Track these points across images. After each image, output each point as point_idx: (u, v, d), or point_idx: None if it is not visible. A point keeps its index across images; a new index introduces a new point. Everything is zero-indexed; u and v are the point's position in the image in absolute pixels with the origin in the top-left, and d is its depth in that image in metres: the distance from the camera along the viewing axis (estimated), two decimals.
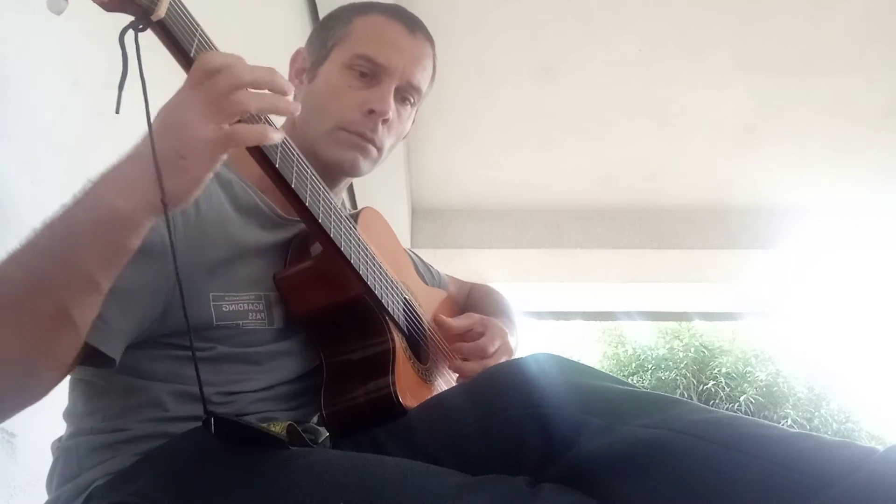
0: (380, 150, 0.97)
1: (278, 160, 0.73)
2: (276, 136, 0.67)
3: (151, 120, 0.62)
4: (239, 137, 0.63)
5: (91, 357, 0.71)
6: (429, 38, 1.01)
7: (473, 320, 1.06)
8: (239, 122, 0.63)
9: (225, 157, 0.64)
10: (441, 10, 2.44)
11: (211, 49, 0.65)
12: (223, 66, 0.62)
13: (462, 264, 3.66)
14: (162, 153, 0.59)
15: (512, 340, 1.09)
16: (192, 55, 0.62)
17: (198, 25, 0.64)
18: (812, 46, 2.69)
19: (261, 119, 0.68)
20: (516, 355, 1.09)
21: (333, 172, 0.96)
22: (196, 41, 0.63)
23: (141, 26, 0.60)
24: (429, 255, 1.35)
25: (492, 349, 1.03)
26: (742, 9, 2.52)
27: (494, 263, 3.82)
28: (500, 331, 1.07)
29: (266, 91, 0.65)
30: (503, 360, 1.05)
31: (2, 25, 0.96)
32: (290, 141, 0.78)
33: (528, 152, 3.40)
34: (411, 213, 3.76)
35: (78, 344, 0.65)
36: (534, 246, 3.83)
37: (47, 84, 1.06)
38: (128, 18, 0.60)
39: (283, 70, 1.04)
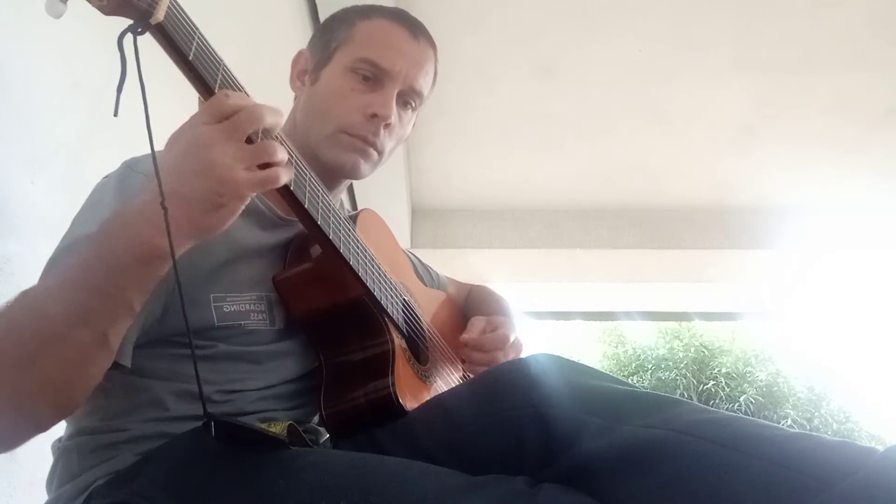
0: (381, 153, 0.97)
1: None
2: (290, 174, 0.70)
3: (163, 147, 0.64)
4: (276, 181, 0.67)
5: None
6: (431, 42, 1.01)
7: (482, 323, 1.07)
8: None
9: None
10: (441, 10, 2.44)
11: (210, 54, 0.65)
12: (243, 106, 0.64)
13: (462, 264, 3.66)
14: (198, 192, 0.62)
15: (520, 335, 1.09)
16: (190, 58, 0.63)
17: (196, 28, 0.64)
18: (812, 46, 2.69)
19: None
20: (523, 352, 1.10)
21: (334, 174, 0.96)
22: (195, 44, 0.63)
23: (139, 30, 0.60)
24: (428, 256, 1.35)
25: (512, 337, 1.05)
26: (742, 9, 2.52)
27: (494, 263, 3.82)
28: (510, 325, 1.07)
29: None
30: (512, 355, 1.05)
31: (2, 26, 0.96)
32: (288, 142, 0.78)
33: (528, 152, 3.39)
34: (411, 213, 3.76)
35: (110, 362, 0.68)
36: (534, 246, 3.83)
37: (47, 85, 1.06)
38: (127, 22, 0.60)
39: (283, 71, 1.04)
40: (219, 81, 0.66)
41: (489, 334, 1.04)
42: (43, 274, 0.74)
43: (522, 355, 1.09)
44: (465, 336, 1.04)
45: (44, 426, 0.69)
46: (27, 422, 0.67)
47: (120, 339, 0.67)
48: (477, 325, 1.06)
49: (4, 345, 0.63)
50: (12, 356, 0.63)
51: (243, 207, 0.66)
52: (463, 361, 1.10)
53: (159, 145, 0.64)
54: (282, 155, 0.67)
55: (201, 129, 0.64)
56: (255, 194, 0.67)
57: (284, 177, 0.68)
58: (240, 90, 0.69)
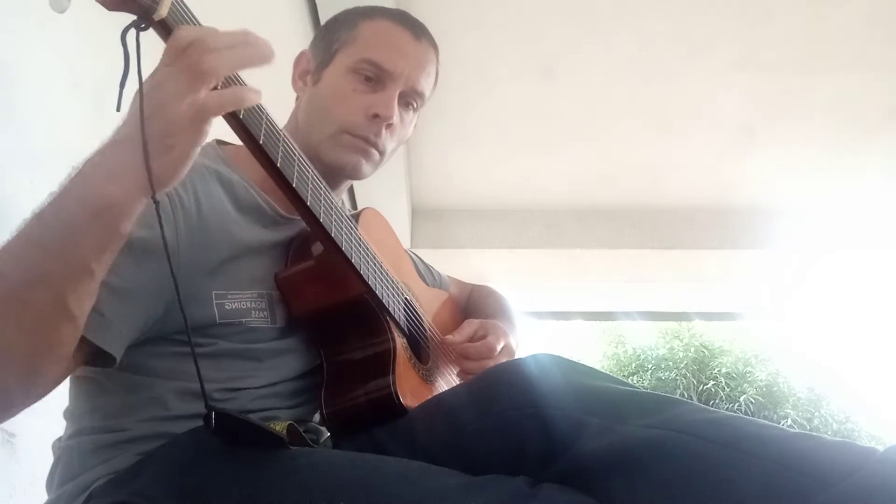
0: (382, 154, 0.97)
1: (280, 160, 0.74)
2: (254, 97, 0.64)
3: (130, 102, 0.61)
4: (214, 105, 0.60)
5: (93, 356, 0.71)
6: (433, 44, 1.02)
7: (474, 327, 1.06)
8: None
9: (209, 129, 0.62)
10: (441, 9, 2.44)
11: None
12: (195, 38, 0.60)
13: (462, 264, 3.66)
14: (149, 134, 0.58)
15: (513, 341, 1.09)
16: None
17: (199, 24, 0.64)
18: (812, 46, 2.69)
19: (236, 83, 0.66)
20: (517, 356, 1.09)
21: (336, 174, 0.96)
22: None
23: (143, 26, 0.60)
24: (429, 255, 1.35)
25: (498, 347, 1.03)
26: (742, 9, 2.52)
27: (494, 263, 3.82)
28: (501, 331, 1.07)
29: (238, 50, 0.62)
30: (504, 360, 1.05)
31: (2, 26, 0.96)
32: (291, 141, 0.78)
33: (528, 152, 3.39)
34: (411, 213, 3.76)
35: (76, 335, 0.65)
36: (534, 246, 3.83)
37: (47, 84, 1.06)
38: (130, 18, 0.60)
39: (284, 71, 1.04)
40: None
41: (475, 344, 1.04)
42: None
43: (516, 357, 1.09)
44: (450, 337, 1.04)
45: (10, 405, 0.66)
46: None
47: (84, 310, 0.63)
48: (466, 329, 1.06)
49: None
50: None
51: (197, 149, 0.61)
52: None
53: None
54: (225, 66, 0.60)
55: (157, 71, 0.60)
56: (206, 127, 0.61)
57: (229, 98, 0.62)
58: (240, 84, 0.66)
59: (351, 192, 2.91)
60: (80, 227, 0.60)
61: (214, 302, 0.81)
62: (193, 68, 0.59)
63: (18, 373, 0.64)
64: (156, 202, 0.59)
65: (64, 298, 0.61)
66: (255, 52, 0.62)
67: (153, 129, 0.58)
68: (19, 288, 0.60)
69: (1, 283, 0.60)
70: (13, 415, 0.67)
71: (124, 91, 0.61)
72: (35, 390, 0.66)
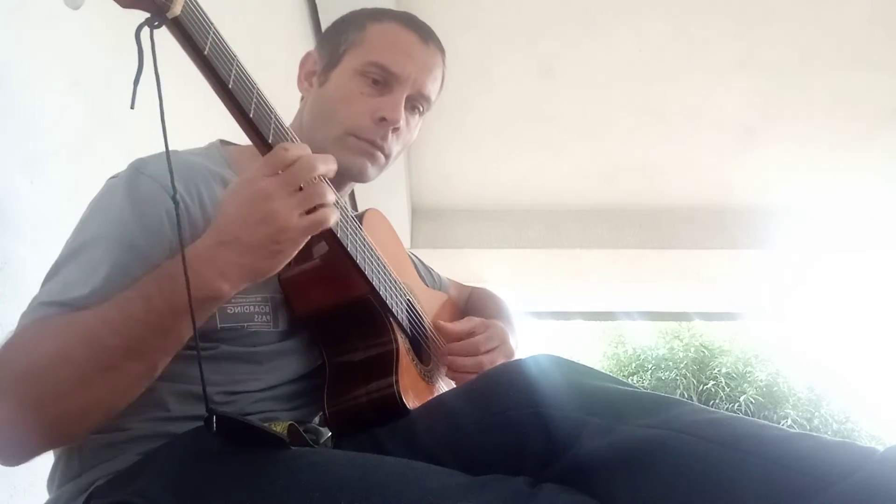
0: (388, 157, 0.97)
1: None
2: (337, 216, 0.74)
3: (227, 204, 0.70)
4: (326, 221, 0.71)
5: None
6: (440, 47, 1.01)
7: (474, 323, 1.06)
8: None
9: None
10: (441, 9, 2.44)
11: (224, 49, 0.66)
12: (299, 156, 0.69)
13: (462, 264, 3.66)
14: (258, 239, 0.68)
15: (512, 342, 1.08)
16: (205, 53, 0.63)
17: (211, 24, 0.64)
18: (813, 46, 2.69)
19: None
20: (516, 357, 1.09)
21: (340, 176, 0.96)
22: (210, 39, 0.63)
23: (156, 23, 0.60)
24: (429, 256, 1.35)
25: (484, 347, 1.02)
26: (742, 9, 2.52)
27: (494, 263, 3.82)
28: (500, 332, 1.06)
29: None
30: (500, 360, 1.04)
31: (2, 25, 0.96)
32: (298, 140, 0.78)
33: (528, 152, 3.40)
34: (411, 213, 3.76)
35: (147, 387, 0.73)
36: (534, 246, 3.83)
37: (47, 84, 1.06)
38: (141, 16, 0.60)
39: (284, 71, 1.04)
40: (232, 77, 0.67)
41: (462, 342, 1.02)
42: (55, 276, 0.76)
43: (515, 358, 1.08)
44: (451, 325, 1.03)
45: (75, 441, 0.75)
46: (59, 439, 0.73)
47: (163, 368, 0.72)
48: (466, 323, 1.04)
49: (62, 371, 0.67)
50: (67, 382, 0.67)
51: (297, 252, 0.71)
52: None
53: (172, 141, 0.65)
54: (330, 196, 0.71)
55: (263, 182, 0.68)
56: (308, 238, 0.71)
57: (333, 217, 0.72)
58: (253, 89, 0.71)
59: (351, 192, 2.91)
60: (187, 314, 0.65)
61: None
62: (308, 190, 0.69)
63: (95, 423, 0.72)
64: (176, 203, 0.66)
65: (155, 367, 0.71)
66: (327, 168, 0.73)
67: (263, 234, 0.68)
68: (120, 359, 0.68)
69: (103, 352, 0.68)
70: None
71: (138, 88, 0.62)
72: (98, 429, 0.73)
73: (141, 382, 0.71)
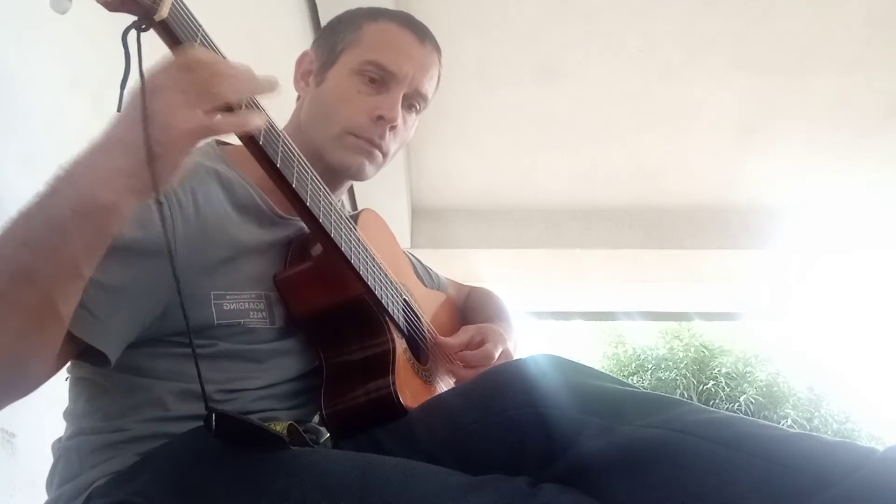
0: (385, 155, 0.98)
1: (279, 160, 0.74)
2: (257, 121, 0.66)
3: (124, 103, 0.61)
4: (218, 129, 0.62)
5: (87, 354, 0.71)
6: (436, 46, 1.02)
7: (470, 333, 1.06)
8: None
9: (199, 144, 0.63)
10: (441, 10, 2.44)
11: (212, 48, 0.65)
12: (207, 60, 0.62)
13: (462, 264, 3.66)
14: (135, 139, 0.58)
15: (510, 345, 1.09)
16: None
17: (199, 26, 0.64)
18: (812, 47, 2.69)
19: (241, 107, 0.66)
20: (515, 357, 1.09)
21: (338, 175, 0.96)
22: (198, 41, 0.63)
23: (143, 26, 0.60)
24: (429, 256, 1.35)
25: (496, 354, 1.03)
26: (742, 9, 2.52)
27: (494, 263, 3.82)
28: (499, 337, 1.07)
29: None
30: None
31: (2, 25, 0.96)
32: (290, 141, 0.78)
33: (528, 152, 3.39)
34: (411, 213, 3.76)
35: (61, 335, 0.64)
36: (534, 246, 3.83)
37: (47, 84, 1.06)
38: (130, 18, 0.60)
39: (284, 71, 1.04)
40: None
41: (474, 352, 1.03)
42: None
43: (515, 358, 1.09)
44: (449, 340, 1.04)
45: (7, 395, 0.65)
46: None
47: (70, 308, 0.63)
48: (462, 335, 1.06)
49: None
50: None
51: (187, 162, 0.62)
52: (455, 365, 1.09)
53: None
54: (235, 95, 0.62)
55: (159, 75, 0.60)
56: (196, 142, 0.62)
57: (233, 125, 0.64)
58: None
59: (351, 192, 2.91)
60: (69, 229, 0.59)
61: (213, 302, 0.81)
62: (200, 86, 0.60)
63: (4, 375, 0.63)
64: (159, 203, 0.59)
65: (52, 298, 0.61)
66: (256, 87, 0.64)
67: (153, 132, 0.58)
68: (6, 286, 0.59)
69: None
70: None
71: (125, 92, 0.61)
72: (19, 387, 0.66)
73: (38, 318, 0.61)
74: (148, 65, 0.61)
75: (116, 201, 0.60)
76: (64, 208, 0.59)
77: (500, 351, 1.04)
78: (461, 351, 1.04)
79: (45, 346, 0.64)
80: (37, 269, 0.60)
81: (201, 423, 0.64)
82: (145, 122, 0.58)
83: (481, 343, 1.05)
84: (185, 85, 0.60)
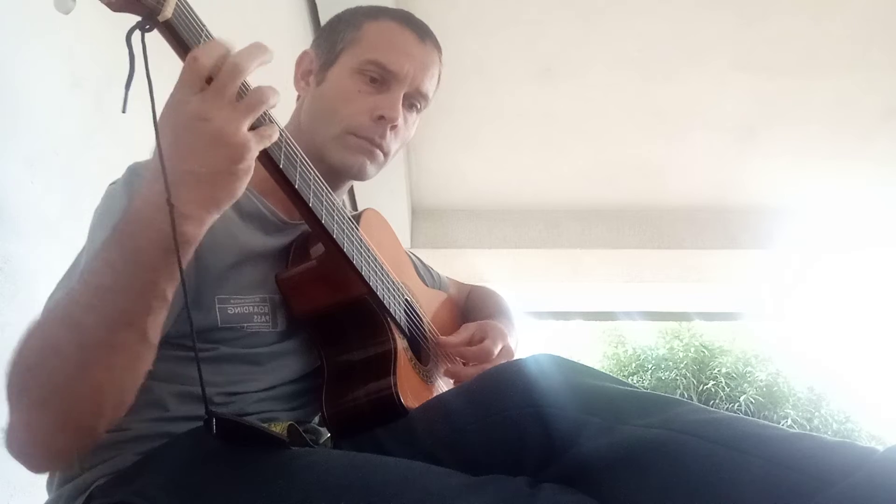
0: (387, 155, 0.98)
1: (282, 161, 0.74)
2: (276, 135, 0.68)
3: (166, 137, 0.62)
4: (270, 136, 0.66)
5: None
6: (437, 45, 1.02)
7: (471, 331, 1.06)
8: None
9: None
10: (441, 10, 2.44)
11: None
12: (219, 65, 0.61)
13: (462, 264, 3.66)
14: (215, 164, 0.61)
15: (511, 342, 1.09)
16: None
17: (203, 26, 0.64)
18: (812, 47, 2.69)
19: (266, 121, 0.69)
20: (516, 356, 1.09)
21: (339, 175, 0.96)
22: (202, 42, 0.63)
23: (147, 26, 0.60)
24: (429, 255, 1.35)
25: (496, 350, 1.03)
26: (742, 10, 2.52)
27: (494, 263, 3.82)
28: (500, 333, 1.07)
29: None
30: (503, 361, 1.05)
31: (2, 25, 0.96)
32: (293, 142, 0.78)
33: (528, 152, 3.39)
34: (411, 213, 3.76)
35: (153, 356, 0.67)
36: (534, 246, 3.83)
37: (47, 84, 1.06)
38: (134, 19, 0.60)
39: (284, 71, 1.04)
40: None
41: (472, 347, 1.03)
42: (62, 282, 0.75)
43: (515, 357, 1.09)
44: (449, 338, 1.04)
45: (99, 433, 0.69)
46: (84, 432, 0.68)
47: (159, 331, 0.67)
48: (463, 333, 1.05)
49: (52, 362, 0.64)
50: (61, 372, 0.63)
51: (253, 166, 0.65)
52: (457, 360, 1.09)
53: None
54: (273, 99, 0.65)
55: (192, 103, 0.61)
56: (261, 149, 0.66)
57: (276, 131, 0.67)
58: (247, 90, 0.66)
59: (351, 191, 2.91)
60: (157, 266, 0.62)
61: (217, 307, 0.81)
62: (249, 101, 0.62)
63: (110, 407, 0.67)
64: (171, 205, 0.60)
65: (147, 332, 0.64)
66: (257, 59, 0.64)
67: (219, 158, 0.61)
68: (104, 333, 0.63)
69: (85, 333, 0.63)
70: (96, 439, 0.70)
71: (129, 92, 0.61)
72: (120, 415, 0.69)
73: (137, 353, 0.65)
74: (152, 65, 0.61)
75: (200, 230, 0.64)
76: (149, 250, 0.62)
77: (500, 347, 1.04)
78: (461, 348, 1.04)
79: (142, 373, 0.68)
80: (132, 311, 0.63)
81: (201, 423, 0.64)
82: (156, 130, 0.60)
83: (481, 340, 1.04)
84: (223, 98, 0.61)
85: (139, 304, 0.63)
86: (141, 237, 0.62)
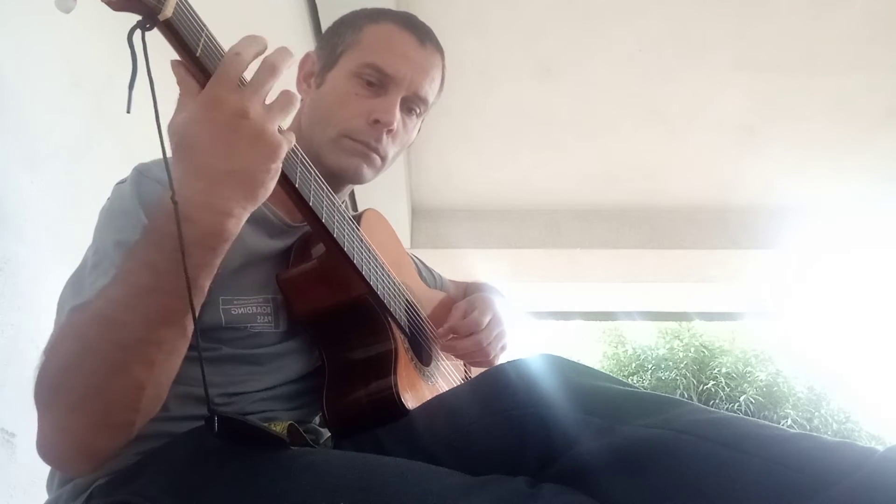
0: (384, 159, 0.97)
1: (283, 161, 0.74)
2: (293, 139, 0.70)
3: (171, 134, 0.63)
4: (290, 140, 0.67)
5: None
6: (439, 48, 1.01)
7: (462, 308, 1.06)
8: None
9: None
10: (441, 10, 2.44)
11: (217, 50, 0.65)
12: (256, 57, 0.63)
13: (462, 264, 3.66)
14: (256, 161, 0.63)
15: (498, 308, 1.07)
16: (198, 54, 0.62)
17: (204, 25, 0.64)
18: (812, 47, 2.69)
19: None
20: (511, 327, 1.09)
21: (337, 178, 0.96)
22: (202, 41, 0.63)
23: (148, 25, 0.60)
24: (428, 256, 1.35)
25: (485, 320, 1.03)
26: (742, 9, 2.52)
27: (494, 263, 3.82)
28: (487, 303, 1.06)
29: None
30: (496, 332, 1.04)
31: (2, 25, 0.96)
32: (294, 143, 0.78)
33: (528, 152, 3.39)
34: (411, 213, 3.75)
35: (187, 346, 0.68)
36: (534, 246, 3.83)
37: (47, 84, 1.06)
38: (132, 18, 0.60)
39: (286, 72, 1.04)
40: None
41: (461, 321, 1.03)
42: (73, 284, 0.75)
43: (509, 341, 1.09)
44: (442, 329, 1.03)
45: (136, 430, 0.69)
46: (122, 430, 0.68)
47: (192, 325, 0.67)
48: (455, 313, 1.05)
49: (88, 362, 0.64)
50: (98, 372, 0.64)
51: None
52: (458, 358, 1.09)
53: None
54: (298, 102, 0.67)
55: (231, 100, 0.62)
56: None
57: (293, 136, 0.69)
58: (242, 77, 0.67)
59: (351, 192, 2.91)
60: (200, 264, 0.64)
61: (221, 307, 0.81)
62: (281, 99, 0.65)
63: (149, 402, 0.68)
64: (175, 203, 0.61)
65: (186, 328, 0.66)
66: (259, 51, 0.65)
67: (260, 155, 0.63)
68: (145, 331, 0.64)
69: (123, 331, 0.64)
70: (133, 435, 0.70)
71: (133, 92, 0.61)
72: (157, 409, 0.70)
73: (177, 348, 0.67)
74: (153, 65, 0.61)
75: (237, 228, 0.65)
76: (194, 250, 0.62)
77: (488, 317, 1.04)
78: (452, 322, 1.03)
79: (178, 366, 0.68)
80: (174, 309, 0.64)
81: (202, 423, 0.64)
82: (159, 131, 0.61)
83: (471, 313, 1.04)
84: (260, 93, 0.63)
85: (181, 302, 0.63)
86: (184, 238, 0.62)
